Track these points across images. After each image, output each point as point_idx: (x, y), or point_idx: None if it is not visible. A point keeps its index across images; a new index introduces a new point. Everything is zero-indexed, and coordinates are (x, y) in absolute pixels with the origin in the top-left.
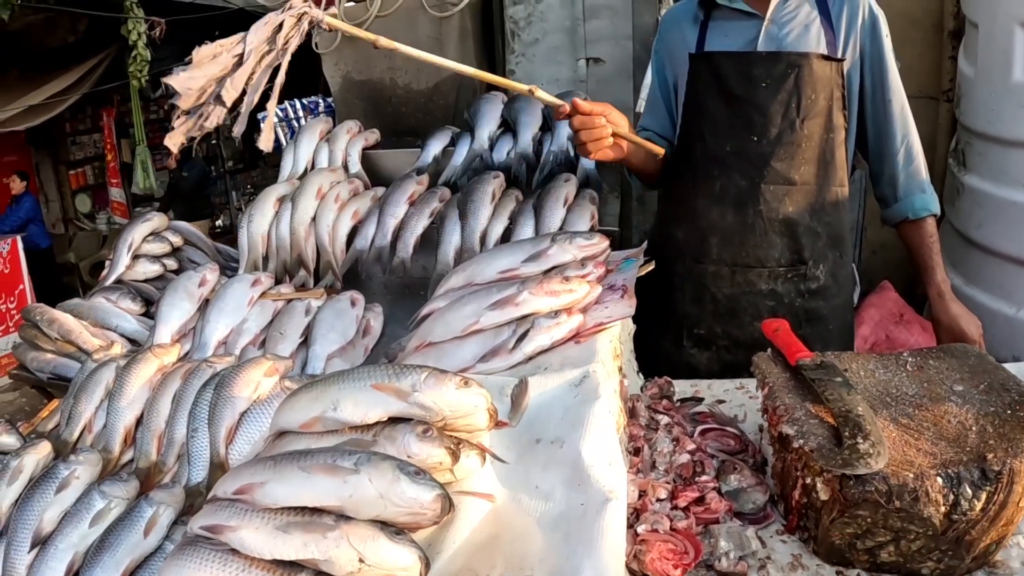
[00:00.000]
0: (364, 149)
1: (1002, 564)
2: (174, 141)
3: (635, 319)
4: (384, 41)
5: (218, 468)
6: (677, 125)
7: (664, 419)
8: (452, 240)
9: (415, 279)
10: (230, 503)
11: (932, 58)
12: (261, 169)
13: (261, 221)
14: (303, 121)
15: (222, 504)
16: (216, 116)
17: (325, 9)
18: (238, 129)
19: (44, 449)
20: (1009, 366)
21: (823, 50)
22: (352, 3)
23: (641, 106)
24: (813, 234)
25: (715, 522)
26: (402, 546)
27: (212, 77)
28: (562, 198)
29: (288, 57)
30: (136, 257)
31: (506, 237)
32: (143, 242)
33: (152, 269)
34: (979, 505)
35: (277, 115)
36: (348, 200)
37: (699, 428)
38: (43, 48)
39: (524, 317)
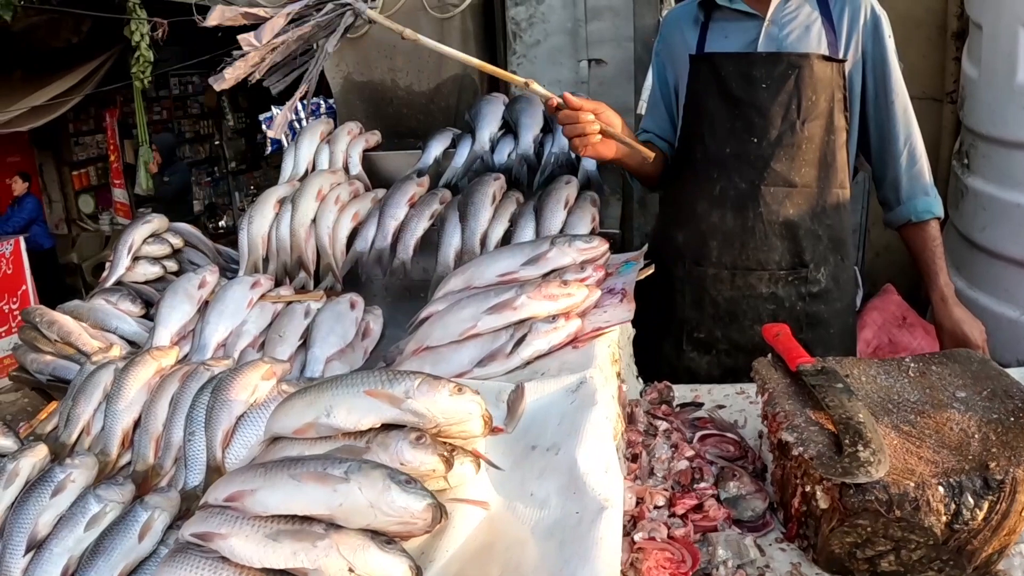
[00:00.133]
0: (365, 150)
1: (1004, 574)
2: (226, 81)
3: (635, 323)
4: (409, 33)
5: (215, 472)
6: (678, 127)
7: (663, 425)
8: (452, 242)
9: (415, 281)
10: (221, 510)
11: (936, 59)
12: (263, 170)
13: (261, 223)
14: (304, 122)
15: (213, 511)
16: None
17: None
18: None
19: (40, 452)
20: (1013, 371)
21: (824, 51)
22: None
23: (642, 108)
24: (814, 237)
25: (713, 530)
26: (392, 555)
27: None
28: (563, 200)
29: (328, 48)
30: (136, 259)
31: (507, 239)
32: (143, 244)
33: (152, 271)
34: (981, 515)
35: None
36: (348, 202)
37: (698, 434)
38: (46, 49)
39: (522, 321)
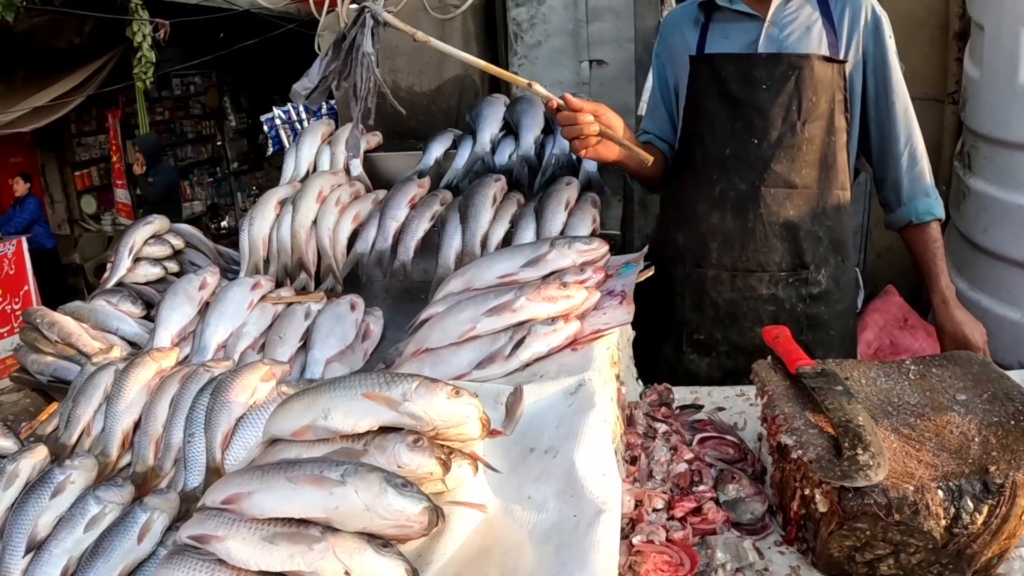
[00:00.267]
0: (365, 152)
1: None
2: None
3: (635, 325)
4: (421, 35)
5: (214, 473)
6: (678, 128)
7: (662, 427)
8: (453, 243)
9: (416, 283)
10: (218, 513)
11: (937, 60)
12: (266, 170)
13: (262, 224)
14: (305, 123)
15: (210, 513)
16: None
17: (329, 10)
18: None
19: (40, 453)
20: (1014, 373)
21: (824, 52)
22: (355, 6)
23: (643, 109)
24: (814, 238)
25: (712, 533)
26: (389, 559)
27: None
28: (564, 201)
29: (363, 54)
30: (137, 260)
31: (507, 240)
32: (144, 245)
33: (153, 272)
34: (981, 519)
35: (280, 117)
36: (349, 203)
37: (698, 436)
38: (48, 50)
39: (521, 323)
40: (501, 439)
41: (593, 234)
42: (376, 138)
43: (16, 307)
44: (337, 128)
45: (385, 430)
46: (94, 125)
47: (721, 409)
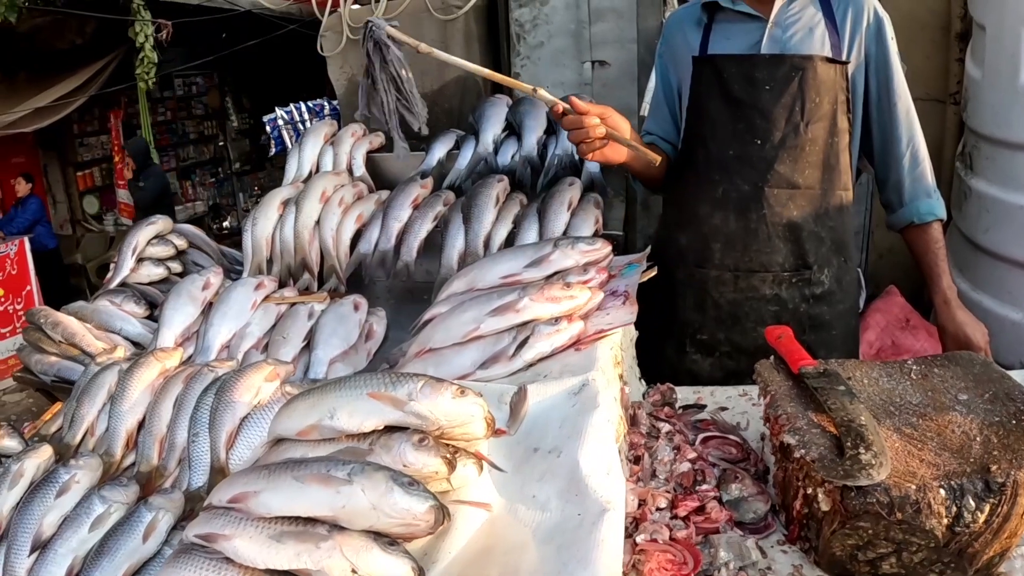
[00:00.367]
0: (368, 152)
1: None
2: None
3: (638, 325)
4: (424, 47)
5: (219, 473)
6: (681, 129)
7: (665, 427)
8: (456, 244)
9: (418, 283)
10: (225, 511)
11: (939, 60)
12: (268, 170)
13: (265, 224)
14: (308, 124)
15: (217, 512)
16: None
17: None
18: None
19: (45, 453)
20: (1015, 373)
21: (827, 53)
22: (357, 6)
23: (645, 109)
24: (817, 239)
25: (715, 532)
26: (395, 557)
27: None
28: (566, 202)
29: (391, 65)
30: (140, 260)
31: (510, 241)
32: (147, 245)
33: (156, 272)
34: (982, 517)
35: (283, 118)
36: (352, 203)
37: (700, 436)
38: (51, 50)
39: (525, 323)
40: (505, 439)
41: (596, 235)
42: (379, 139)
43: (18, 307)
44: (340, 129)
45: (390, 429)
46: (96, 125)
47: (724, 409)
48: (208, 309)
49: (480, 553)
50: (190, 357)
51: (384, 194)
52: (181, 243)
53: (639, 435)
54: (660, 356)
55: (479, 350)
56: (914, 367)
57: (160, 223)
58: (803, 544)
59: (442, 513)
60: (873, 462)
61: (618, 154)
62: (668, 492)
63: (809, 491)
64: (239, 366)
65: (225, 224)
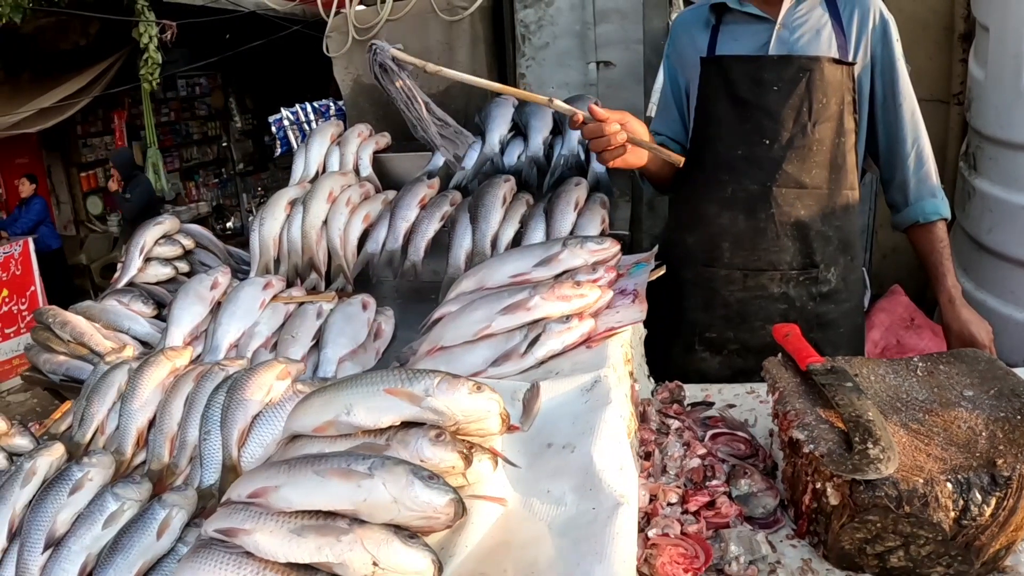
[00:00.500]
0: (375, 152)
1: (1011, 570)
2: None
3: (646, 323)
4: (432, 67)
5: (230, 471)
6: (689, 129)
7: (675, 423)
8: (463, 244)
9: (426, 283)
10: (244, 506)
11: (942, 61)
12: (271, 171)
13: (273, 224)
14: (314, 124)
15: (237, 507)
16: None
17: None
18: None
19: (57, 451)
20: (1019, 371)
21: (834, 54)
22: (363, 7)
23: (652, 110)
24: (824, 238)
25: (725, 526)
26: (416, 550)
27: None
28: (572, 202)
29: (402, 87)
30: (148, 260)
31: (517, 240)
32: (155, 245)
33: (164, 272)
34: (989, 511)
35: (288, 118)
36: (359, 203)
37: (710, 433)
38: (55, 51)
39: (536, 322)
40: (519, 435)
41: (602, 234)
42: (385, 139)
43: (23, 308)
44: (346, 129)
45: (407, 425)
46: (100, 126)
47: (732, 406)
48: (216, 308)
49: (496, 547)
50: (199, 356)
51: (391, 194)
52: (188, 243)
53: (649, 432)
54: (668, 355)
55: (490, 348)
56: (920, 364)
57: (167, 223)
58: (812, 538)
59: (461, 506)
60: (881, 457)
61: (639, 158)
62: (679, 487)
63: (818, 485)
64: (249, 365)
65: (228, 225)
